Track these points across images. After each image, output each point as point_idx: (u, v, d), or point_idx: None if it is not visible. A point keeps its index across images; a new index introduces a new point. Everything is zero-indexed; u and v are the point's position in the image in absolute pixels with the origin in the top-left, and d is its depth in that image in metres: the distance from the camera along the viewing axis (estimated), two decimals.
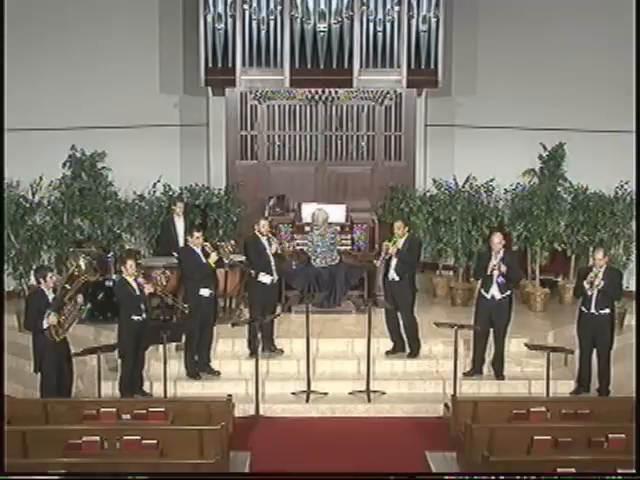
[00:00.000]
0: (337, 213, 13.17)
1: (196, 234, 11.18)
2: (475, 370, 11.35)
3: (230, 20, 13.84)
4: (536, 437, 8.76)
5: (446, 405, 10.54)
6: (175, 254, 12.06)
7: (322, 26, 13.79)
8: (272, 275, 11.56)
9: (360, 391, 11.04)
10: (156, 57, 14.63)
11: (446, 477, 9.08)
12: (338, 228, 12.82)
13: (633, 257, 13.39)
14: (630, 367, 11.43)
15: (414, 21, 13.87)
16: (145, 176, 13.93)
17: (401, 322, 11.59)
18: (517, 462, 8.41)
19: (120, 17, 14.24)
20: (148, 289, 10.76)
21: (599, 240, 13.26)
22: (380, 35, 13.89)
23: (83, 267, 10.73)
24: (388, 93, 14.32)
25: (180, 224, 13.10)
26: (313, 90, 14.22)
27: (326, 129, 14.49)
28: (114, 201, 13.85)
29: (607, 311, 10.92)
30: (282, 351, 11.69)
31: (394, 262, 11.44)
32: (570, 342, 11.41)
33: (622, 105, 13.50)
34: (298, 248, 12.93)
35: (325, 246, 12.41)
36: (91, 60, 14.10)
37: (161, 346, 10.71)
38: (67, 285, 10.47)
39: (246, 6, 13.81)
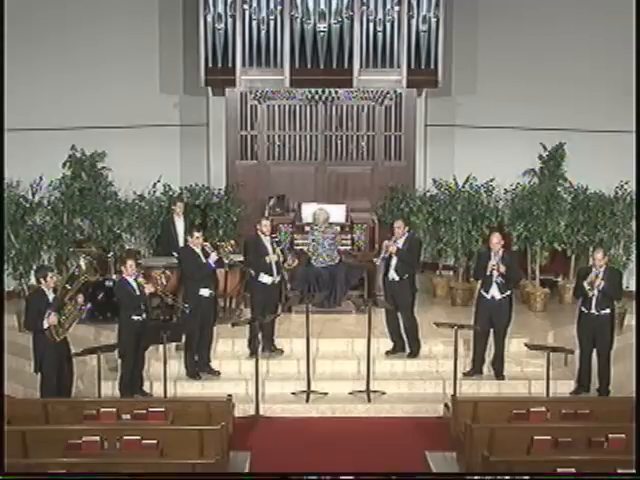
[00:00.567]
0: (337, 213, 13.17)
1: (196, 234, 11.18)
2: (475, 370, 11.35)
3: (230, 20, 13.84)
4: (536, 437, 8.77)
5: (446, 405, 10.55)
6: (175, 254, 12.06)
7: (322, 26, 13.79)
8: (272, 276, 11.56)
9: (360, 391, 11.04)
10: (156, 57, 14.63)
11: (446, 477, 9.10)
12: (338, 228, 12.82)
13: (633, 257, 13.39)
14: (630, 367, 11.43)
15: (414, 21, 13.87)
16: (145, 176, 13.93)
17: (401, 322, 11.60)
18: (517, 462, 8.41)
19: (120, 17, 14.24)
20: (148, 289, 10.77)
21: (599, 240, 13.26)
22: (380, 35, 13.89)
23: (83, 267, 10.74)
24: (388, 93, 14.33)
25: (180, 224, 13.10)
26: (313, 90, 14.23)
27: (326, 129, 14.50)
28: (114, 201, 13.86)
29: (607, 311, 10.92)
30: (282, 351, 11.69)
31: (394, 262, 11.44)
32: (570, 342, 11.41)
33: (622, 105, 13.50)
34: (298, 248, 12.94)
35: (325, 246, 12.41)
36: (91, 60, 14.10)
37: (161, 346, 10.71)
38: (67, 285, 10.47)
39: (246, 6, 13.81)
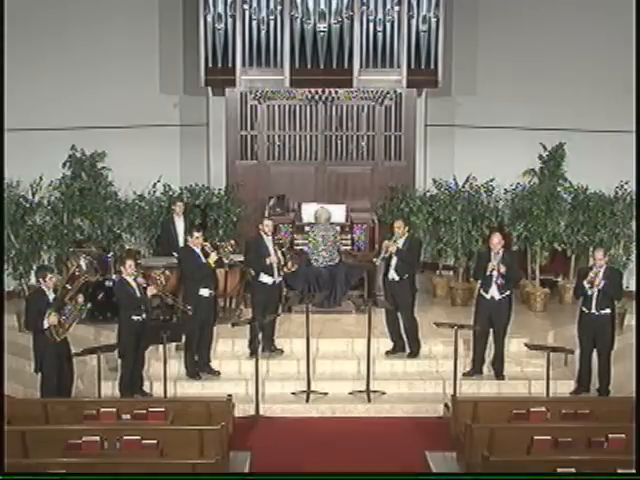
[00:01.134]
0: (337, 213, 13.17)
1: (196, 234, 11.18)
2: (475, 370, 11.35)
3: (230, 20, 13.84)
4: (536, 437, 8.76)
5: (446, 405, 10.55)
6: (175, 254, 12.06)
7: (322, 26, 13.79)
8: (273, 276, 11.55)
9: (360, 391, 11.04)
10: (156, 57, 14.62)
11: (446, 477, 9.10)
12: (339, 228, 12.82)
13: (633, 257, 13.40)
14: (630, 367, 11.43)
15: (414, 21, 13.87)
16: (145, 176, 13.93)
17: (401, 322, 11.60)
18: (517, 462, 8.41)
19: (120, 17, 14.24)
20: (151, 291, 10.77)
21: (599, 240, 13.26)
22: (380, 35, 13.88)
23: (84, 267, 10.74)
24: (388, 93, 14.33)
25: (180, 224, 13.10)
26: (313, 90, 14.23)
27: (326, 129, 14.49)
28: (114, 201, 13.86)
29: (608, 311, 10.92)
30: (282, 351, 11.69)
31: (394, 262, 11.44)
32: (570, 342, 11.41)
33: (622, 105, 13.50)
34: (298, 248, 12.94)
35: (326, 245, 12.41)
36: (91, 60, 14.10)
37: (161, 346, 10.71)
38: (68, 285, 10.47)
39: (246, 6, 13.81)
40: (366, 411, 10.94)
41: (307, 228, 12.92)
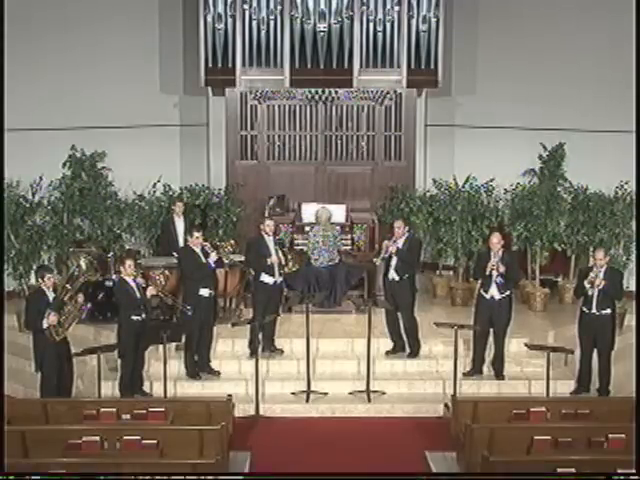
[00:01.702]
0: (337, 213, 13.17)
1: (196, 234, 11.17)
2: (475, 370, 11.35)
3: (230, 20, 13.84)
4: (536, 437, 8.76)
5: (446, 405, 10.54)
6: (175, 254, 12.05)
7: (322, 26, 13.79)
8: (274, 276, 11.55)
9: (360, 391, 11.04)
10: (156, 57, 14.62)
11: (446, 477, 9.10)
12: (339, 228, 12.82)
13: (633, 257, 13.40)
14: (630, 367, 11.43)
15: (414, 21, 13.87)
16: (145, 176, 13.93)
17: (401, 322, 11.59)
18: (517, 462, 8.42)
19: (120, 17, 14.24)
20: (150, 291, 10.76)
21: (599, 240, 13.26)
22: (380, 35, 13.88)
23: (84, 267, 10.73)
24: (388, 93, 14.33)
25: (180, 224, 13.10)
26: (313, 90, 14.23)
27: (326, 129, 14.49)
28: (114, 201, 13.86)
29: (608, 311, 10.92)
30: (282, 351, 11.69)
31: (394, 262, 11.44)
32: (570, 342, 11.41)
33: (622, 105, 13.50)
34: (298, 248, 12.94)
35: (326, 245, 12.41)
36: (91, 60, 14.11)
37: (161, 346, 10.71)
38: (68, 285, 10.48)
39: (246, 6, 13.81)
40: (366, 411, 10.93)
41: (307, 228, 12.92)
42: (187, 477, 8.19)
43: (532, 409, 9.41)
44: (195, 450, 8.79)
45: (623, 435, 8.76)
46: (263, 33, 13.85)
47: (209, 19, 13.81)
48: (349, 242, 13.16)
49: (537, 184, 13.80)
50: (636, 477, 8.05)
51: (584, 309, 11.03)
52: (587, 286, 10.86)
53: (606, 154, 13.69)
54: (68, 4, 13.98)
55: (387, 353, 11.66)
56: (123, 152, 13.94)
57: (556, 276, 13.94)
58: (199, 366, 11.26)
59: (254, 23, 13.83)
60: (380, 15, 13.86)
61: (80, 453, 8.59)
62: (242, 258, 12.10)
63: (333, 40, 13.84)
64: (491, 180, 13.73)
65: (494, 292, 11.10)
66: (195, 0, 13.88)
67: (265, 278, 11.49)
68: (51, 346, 10.22)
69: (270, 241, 11.58)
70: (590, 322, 10.95)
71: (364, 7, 13.84)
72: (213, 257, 11.16)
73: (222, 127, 14.42)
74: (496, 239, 11.11)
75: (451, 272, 13.97)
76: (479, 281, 11.31)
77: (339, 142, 14.52)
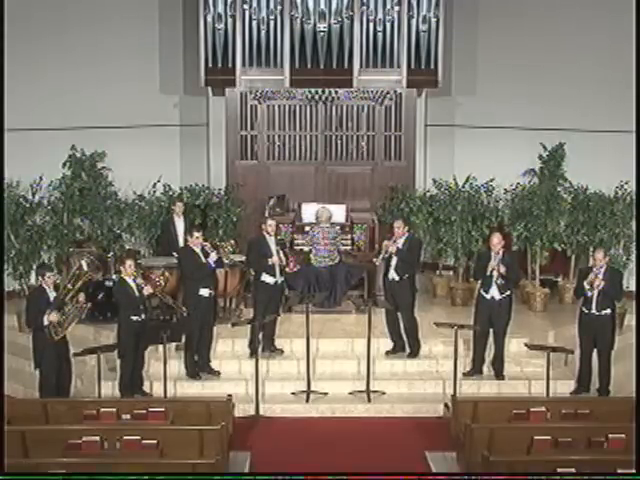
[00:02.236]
0: (337, 213, 13.16)
1: (196, 234, 11.17)
2: (475, 370, 11.35)
3: (230, 20, 13.84)
4: (536, 437, 8.76)
5: (446, 405, 10.55)
6: (175, 254, 12.05)
7: (322, 26, 13.79)
8: (275, 276, 11.54)
9: (360, 391, 11.04)
10: (156, 57, 14.63)
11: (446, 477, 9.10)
12: (339, 228, 12.81)
13: (633, 257, 13.40)
14: (630, 367, 11.43)
15: (414, 21, 13.87)
16: (145, 176, 13.94)
17: (401, 322, 11.59)
18: (517, 462, 8.41)
19: (120, 17, 14.24)
20: (147, 290, 10.76)
21: (599, 240, 13.26)
22: (380, 35, 13.89)
23: (85, 267, 10.74)
24: (388, 93, 14.33)
25: (180, 224, 13.10)
26: (313, 90, 14.23)
27: (326, 129, 14.49)
28: (114, 201, 13.86)
29: (608, 311, 10.92)
30: (282, 351, 11.69)
31: (394, 262, 11.44)
32: (570, 342, 11.42)
33: (622, 105, 13.50)
34: (298, 248, 12.94)
35: (327, 245, 12.40)
36: (91, 60, 14.11)
37: (161, 346, 10.71)
38: (69, 285, 10.48)
39: (246, 6, 13.81)
40: (366, 411, 10.93)
41: (307, 228, 12.92)
42: (187, 477, 8.21)
43: (532, 409, 9.41)
44: (195, 450, 8.79)
45: (623, 435, 8.76)
46: (263, 33, 13.85)
47: (209, 19, 13.81)
48: (349, 242, 13.16)
49: (537, 184, 13.79)
50: (636, 477, 8.06)
51: (584, 309, 11.03)
52: (587, 286, 10.86)
53: (606, 154, 13.69)
54: (68, 4, 13.98)
55: (387, 353, 11.66)
56: (123, 152, 13.93)
57: (556, 276, 13.94)
58: (199, 366, 11.26)
59: (254, 23, 13.83)
60: (380, 15, 13.87)
61: (80, 453, 8.59)
62: (242, 258, 12.11)
63: (333, 40, 13.84)
64: (491, 180, 13.73)
65: (494, 292, 11.10)
66: (195, 0, 13.88)
67: (266, 278, 11.49)
68: (50, 345, 10.23)
69: (271, 241, 11.57)
70: (590, 322, 10.95)
71: (364, 7, 13.84)
72: (213, 257, 11.16)
73: (222, 127, 14.42)
74: (496, 239, 11.10)
75: (451, 272, 13.97)
76: (479, 281, 11.31)
77: (339, 142, 14.52)
